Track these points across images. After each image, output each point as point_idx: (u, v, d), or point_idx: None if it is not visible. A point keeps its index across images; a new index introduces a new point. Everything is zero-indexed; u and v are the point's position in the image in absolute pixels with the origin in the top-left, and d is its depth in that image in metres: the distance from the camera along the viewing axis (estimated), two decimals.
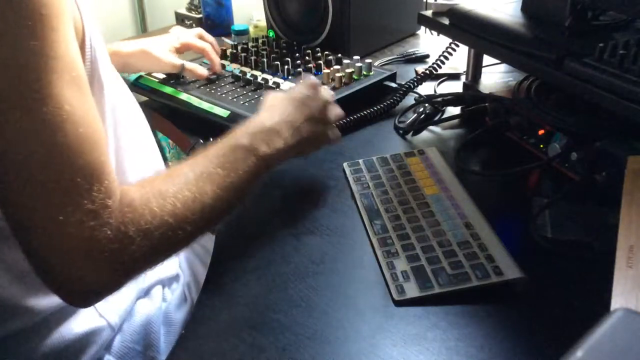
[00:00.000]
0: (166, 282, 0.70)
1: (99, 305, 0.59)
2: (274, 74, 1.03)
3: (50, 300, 0.55)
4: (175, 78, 1.01)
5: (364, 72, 1.01)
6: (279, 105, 0.68)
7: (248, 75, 1.01)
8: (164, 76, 1.02)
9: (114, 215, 0.44)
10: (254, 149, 0.60)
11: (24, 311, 0.54)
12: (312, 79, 0.73)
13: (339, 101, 0.93)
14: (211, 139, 0.85)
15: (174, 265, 0.72)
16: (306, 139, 0.67)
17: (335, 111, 0.74)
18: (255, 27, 1.39)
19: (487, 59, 0.99)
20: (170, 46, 0.99)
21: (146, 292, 0.67)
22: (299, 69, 1.01)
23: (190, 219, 0.50)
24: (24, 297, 0.54)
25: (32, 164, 0.41)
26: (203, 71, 1.00)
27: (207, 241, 0.81)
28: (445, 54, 0.99)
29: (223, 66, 1.06)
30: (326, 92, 0.73)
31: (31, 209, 0.42)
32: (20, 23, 0.41)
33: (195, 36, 1.04)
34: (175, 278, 0.72)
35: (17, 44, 0.41)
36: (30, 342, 0.56)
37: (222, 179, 0.55)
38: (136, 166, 0.65)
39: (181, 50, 1.02)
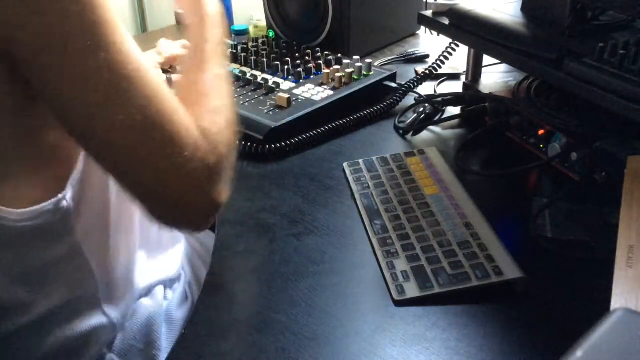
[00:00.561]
0: (168, 283, 0.70)
1: (102, 303, 0.60)
2: (274, 74, 1.03)
3: (52, 299, 0.55)
4: None
5: (364, 72, 1.01)
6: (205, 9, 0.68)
7: (248, 76, 1.01)
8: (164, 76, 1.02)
9: (205, 149, 0.49)
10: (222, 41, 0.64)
11: (27, 309, 0.54)
12: None
13: (339, 101, 0.94)
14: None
15: (176, 265, 0.72)
16: None
17: None
18: (255, 27, 1.39)
19: (487, 59, 0.99)
20: (153, 63, 0.99)
21: (148, 291, 0.67)
22: (299, 69, 1.01)
23: (232, 121, 0.56)
24: (27, 295, 0.54)
25: (142, 117, 0.45)
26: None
27: (208, 240, 0.81)
28: (445, 54, 0.99)
29: None
30: None
31: (141, 157, 0.46)
32: None
33: (181, 47, 1.02)
34: (177, 278, 0.72)
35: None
36: (34, 339, 0.56)
37: (221, 70, 0.60)
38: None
39: (166, 65, 1.01)
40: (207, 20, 0.64)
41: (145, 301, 0.66)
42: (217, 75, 0.59)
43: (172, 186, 0.48)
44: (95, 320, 0.59)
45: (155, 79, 0.46)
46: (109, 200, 0.59)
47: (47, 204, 0.50)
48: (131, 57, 0.45)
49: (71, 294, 0.56)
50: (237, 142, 0.57)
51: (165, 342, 0.66)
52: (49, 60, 0.42)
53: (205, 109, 0.54)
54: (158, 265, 0.69)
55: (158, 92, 0.46)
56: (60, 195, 0.51)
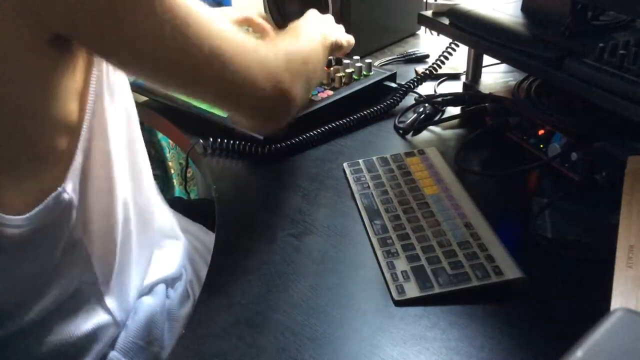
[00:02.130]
0: (169, 281, 0.70)
1: (105, 301, 0.60)
2: None
3: (55, 296, 0.55)
4: None
5: (364, 72, 1.01)
6: (308, 23, 0.81)
7: None
8: None
9: (279, 73, 0.61)
10: (322, 33, 0.79)
11: (31, 308, 0.54)
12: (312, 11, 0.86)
13: (339, 101, 0.94)
14: (211, 139, 0.85)
15: (177, 265, 0.72)
16: (336, 41, 0.87)
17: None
18: None
19: (487, 59, 0.99)
20: (228, 17, 0.99)
21: (150, 289, 0.67)
22: None
23: (311, 72, 0.70)
24: (30, 294, 0.54)
25: (235, 57, 0.55)
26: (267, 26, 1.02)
27: (208, 240, 0.81)
28: (445, 54, 0.99)
29: None
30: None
31: (250, 83, 0.58)
32: None
33: (258, 15, 1.04)
34: (179, 277, 0.72)
35: None
36: (38, 338, 0.56)
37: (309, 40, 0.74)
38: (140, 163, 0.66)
39: (241, 23, 1.01)
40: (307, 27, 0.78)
41: (148, 299, 0.66)
42: (308, 39, 0.73)
43: (249, 110, 0.63)
44: (98, 318, 0.59)
45: (220, 25, 0.54)
46: (111, 194, 0.59)
47: (48, 200, 0.50)
48: (202, 11, 0.52)
49: (73, 290, 0.56)
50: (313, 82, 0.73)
51: (168, 340, 0.66)
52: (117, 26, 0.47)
53: (290, 50, 0.66)
54: (159, 264, 0.69)
55: (226, 38, 0.54)
56: (60, 189, 0.51)
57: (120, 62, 0.52)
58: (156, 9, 0.47)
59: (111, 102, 0.57)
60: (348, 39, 0.91)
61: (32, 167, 0.50)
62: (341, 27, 0.92)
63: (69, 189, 0.51)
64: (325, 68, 1.02)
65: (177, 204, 0.97)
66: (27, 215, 0.49)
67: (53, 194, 0.50)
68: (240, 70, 0.56)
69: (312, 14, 0.85)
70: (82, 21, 0.45)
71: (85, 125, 0.53)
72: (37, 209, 0.49)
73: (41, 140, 0.50)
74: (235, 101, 0.61)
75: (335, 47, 0.87)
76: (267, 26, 1.02)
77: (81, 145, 0.53)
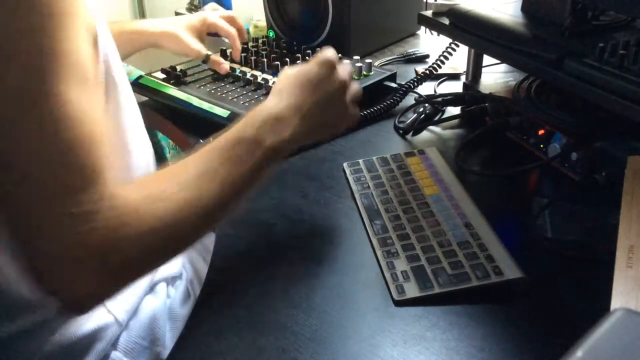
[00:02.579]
0: (170, 280, 0.70)
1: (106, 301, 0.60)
2: (274, 74, 1.03)
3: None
4: (176, 78, 1.01)
5: (364, 72, 1.01)
6: (288, 89, 0.62)
7: (248, 75, 1.01)
8: (164, 76, 1.02)
9: (104, 219, 0.42)
10: (259, 141, 0.56)
11: (34, 308, 0.54)
12: (328, 54, 0.64)
13: None
14: (211, 139, 0.85)
15: (177, 264, 0.72)
16: (319, 124, 0.62)
17: (353, 90, 0.67)
18: (255, 27, 1.39)
19: (487, 59, 0.99)
20: (192, 28, 0.99)
21: (151, 289, 0.67)
22: None
23: (187, 221, 0.48)
24: (30, 295, 0.54)
25: (30, 160, 0.40)
26: (226, 67, 1.01)
27: (208, 240, 0.81)
28: (445, 54, 0.99)
29: None
30: (344, 70, 0.65)
31: (24, 207, 0.41)
32: (28, 19, 0.41)
33: (225, 18, 1.04)
34: (179, 276, 0.72)
35: (22, 40, 0.41)
36: (40, 338, 0.56)
37: (225, 176, 0.52)
38: (139, 168, 0.65)
39: (210, 30, 1.02)
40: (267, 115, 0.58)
41: (149, 298, 0.66)
42: (210, 170, 0.51)
43: (44, 236, 0.41)
44: (100, 318, 0.59)
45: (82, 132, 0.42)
46: None
47: None
48: (57, 92, 0.41)
49: None
50: (182, 250, 0.51)
51: (170, 339, 0.66)
52: None
53: (159, 189, 0.47)
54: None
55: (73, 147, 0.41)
56: None
57: None
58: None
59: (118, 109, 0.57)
60: (347, 121, 0.67)
61: None
62: (351, 92, 0.66)
63: None
64: None
65: None
66: None
67: None
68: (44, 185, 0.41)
69: (294, 85, 0.62)
70: None
71: None
72: None
73: None
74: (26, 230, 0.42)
75: (322, 134, 0.66)
76: (233, 30, 1.02)
77: None
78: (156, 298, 0.67)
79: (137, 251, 0.44)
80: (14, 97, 0.40)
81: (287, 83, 0.62)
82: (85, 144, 0.42)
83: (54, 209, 0.40)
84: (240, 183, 0.53)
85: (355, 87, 0.67)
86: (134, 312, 0.64)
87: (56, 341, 0.56)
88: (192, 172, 0.51)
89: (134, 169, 0.63)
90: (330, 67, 0.63)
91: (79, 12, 0.44)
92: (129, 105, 0.63)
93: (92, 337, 0.58)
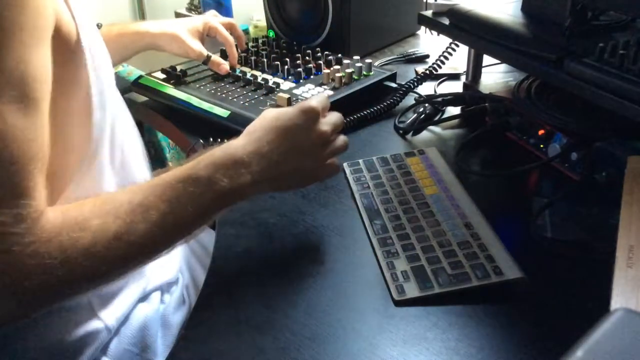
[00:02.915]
0: (165, 287, 0.70)
1: (96, 307, 0.59)
2: (274, 74, 1.03)
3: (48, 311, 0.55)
4: (176, 78, 1.01)
5: (364, 72, 1.01)
6: (259, 132, 0.57)
7: (248, 76, 1.01)
8: (164, 76, 1.02)
9: (20, 243, 0.41)
10: (212, 183, 0.52)
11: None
12: (313, 103, 0.59)
13: (339, 101, 0.94)
14: (211, 139, 0.85)
15: (174, 269, 0.72)
16: (285, 175, 0.58)
17: (337, 143, 0.62)
18: (255, 27, 1.40)
19: (487, 59, 0.99)
20: (194, 30, 0.99)
21: (145, 297, 0.67)
22: (299, 69, 1.01)
23: (108, 257, 0.45)
24: None
25: None
26: (226, 68, 1.01)
27: (208, 242, 0.81)
28: (445, 54, 0.99)
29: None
30: (329, 121, 0.61)
31: None
32: None
33: (225, 25, 1.04)
34: (175, 281, 0.72)
35: None
36: (27, 341, 0.55)
37: (162, 215, 0.48)
38: (134, 166, 0.65)
39: (210, 34, 1.02)
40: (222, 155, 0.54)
41: (142, 306, 0.66)
42: (148, 206, 0.48)
43: None
44: (89, 325, 0.59)
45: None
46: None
47: None
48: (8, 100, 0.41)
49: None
50: (100, 284, 0.48)
51: (161, 347, 0.66)
52: None
53: (84, 218, 0.45)
54: (156, 270, 0.68)
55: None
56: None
57: None
58: None
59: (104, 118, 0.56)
60: (321, 174, 0.64)
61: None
62: (335, 146, 0.63)
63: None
64: (326, 68, 1.02)
65: None
66: None
67: None
68: None
69: (268, 130, 0.58)
70: None
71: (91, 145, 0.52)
72: None
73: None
74: None
75: (292, 184, 0.63)
76: (230, 38, 1.03)
77: (74, 171, 0.52)
78: (149, 305, 0.66)
79: (45, 280, 0.42)
80: None
81: (261, 125, 0.58)
82: (11, 163, 0.41)
83: None
84: (178, 224, 0.50)
85: (340, 141, 0.63)
86: (125, 319, 0.63)
87: (45, 344, 0.56)
88: (127, 206, 0.47)
89: (129, 169, 0.63)
90: (312, 117, 0.59)
91: (37, 24, 0.43)
92: (119, 109, 0.63)
93: (81, 342, 0.58)
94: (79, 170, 0.54)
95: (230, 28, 1.05)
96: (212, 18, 1.04)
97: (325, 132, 0.60)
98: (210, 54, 1.00)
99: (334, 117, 0.62)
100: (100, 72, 0.54)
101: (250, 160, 0.55)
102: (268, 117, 0.59)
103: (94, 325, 0.59)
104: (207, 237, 0.84)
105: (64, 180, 0.53)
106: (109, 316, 0.60)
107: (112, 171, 0.59)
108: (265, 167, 0.56)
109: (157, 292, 0.68)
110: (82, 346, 0.58)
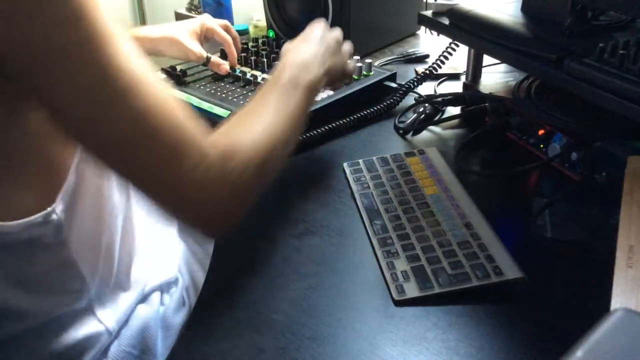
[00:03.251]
0: (165, 288, 0.70)
1: (97, 310, 0.59)
2: None
3: (48, 305, 0.55)
4: (176, 78, 1.01)
5: (364, 72, 1.01)
6: (301, 46, 0.73)
7: (248, 75, 1.01)
8: (164, 76, 1.02)
9: (216, 172, 0.50)
10: (296, 82, 0.66)
11: (22, 315, 0.54)
12: (319, 22, 0.78)
13: (339, 101, 0.94)
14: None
15: (173, 269, 0.72)
16: (331, 69, 0.74)
17: (347, 45, 0.81)
18: (255, 27, 1.39)
19: (487, 59, 0.99)
20: (192, 32, 1.00)
21: (144, 298, 0.67)
22: None
23: (271, 153, 0.57)
24: (23, 301, 0.53)
25: (140, 129, 0.46)
26: (226, 68, 1.02)
27: (207, 244, 0.81)
28: (445, 54, 0.99)
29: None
30: (336, 30, 0.78)
31: (148, 170, 0.48)
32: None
33: (221, 26, 1.04)
34: (175, 282, 0.72)
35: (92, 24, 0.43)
36: (28, 346, 0.55)
37: (283, 115, 0.62)
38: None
39: (207, 35, 1.03)
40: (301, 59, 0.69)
41: (142, 307, 0.65)
42: (273, 111, 0.61)
43: (172, 194, 0.49)
44: (90, 328, 0.59)
45: (154, 90, 0.46)
46: (104, 211, 0.58)
47: (37, 217, 0.49)
48: (127, 69, 0.44)
49: (64, 304, 0.56)
50: (272, 174, 0.59)
51: (162, 348, 0.66)
52: (43, 74, 0.42)
53: (243, 131, 0.56)
54: (155, 271, 0.68)
55: (157, 104, 0.46)
56: (49, 209, 0.50)
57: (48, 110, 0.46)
58: (83, 60, 0.43)
59: None
60: (348, 69, 0.82)
61: (24, 179, 0.49)
62: (345, 50, 0.80)
63: (59, 210, 0.51)
64: None
65: None
66: (17, 222, 0.48)
67: (42, 213, 0.49)
68: (165, 142, 0.47)
69: (314, 30, 0.76)
70: (15, 56, 0.42)
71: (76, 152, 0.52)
72: (26, 219, 0.48)
73: (35, 153, 0.49)
74: (157, 190, 0.50)
75: (332, 79, 0.78)
76: (229, 37, 1.04)
77: (74, 163, 0.52)
78: (149, 307, 0.66)
79: (249, 180, 0.53)
80: (117, 82, 0.44)
81: (295, 45, 0.73)
82: (164, 102, 0.47)
83: (172, 164, 0.47)
84: (294, 118, 0.63)
85: (348, 44, 0.81)
86: (125, 321, 0.63)
87: (45, 349, 0.56)
88: (265, 116, 0.60)
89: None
90: (323, 27, 0.77)
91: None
92: None
93: (82, 346, 0.58)
94: (79, 158, 0.54)
95: (226, 29, 1.05)
96: (209, 19, 1.04)
97: (337, 33, 0.77)
98: (209, 55, 1.00)
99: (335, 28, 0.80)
100: None
101: (309, 61, 0.70)
102: (296, 41, 0.75)
103: (94, 328, 0.59)
104: (206, 240, 0.84)
105: (64, 169, 0.53)
106: (109, 318, 0.60)
107: None
108: (319, 64, 0.71)
109: (156, 293, 0.68)
110: (84, 350, 0.58)
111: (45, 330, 0.56)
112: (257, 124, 0.58)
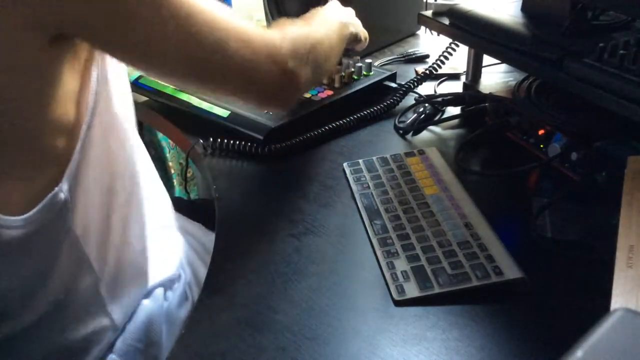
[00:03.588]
0: (168, 284, 0.70)
1: (107, 303, 0.60)
2: None
3: (54, 301, 0.55)
4: None
5: (364, 72, 1.01)
6: (327, 11, 0.84)
7: None
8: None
9: (285, 55, 0.63)
10: (340, 21, 0.81)
11: (28, 311, 0.54)
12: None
13: (339, 101, 0.94)
14: (211, 139, 0.85)
15: (176, 265, 0.72)
16: (355, 33, 0.89)
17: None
18: None
19: (487, 59, 0.99)
20: None
21: (148, 293, 0.67)
22: None
23: (321, 56, 0.72)
24: (28, 297, 0.54)
25: (235, 44, 0.57)
26: None
27: (208, 241, 0.81)
28: (445, 54, 0.99)
29: None
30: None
31: (245, 72, 0.60)
32: None
33: None
34: (177, 278, 0.72)
35: None
36: (35, 341, 0.56)
37: (329, 43, 0.76)
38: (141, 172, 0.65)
39: None
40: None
41: (146, 302, 0.66)
42: (326, 34, 0.75)
43: (254, 94, 0.65)
44: (97, 321, 0.59)
45: (223, 16, 0.55)
46: (109, 192, 0.59)
47: (45, 201, 0.50)
48: (204, 7, 0.53)
49: (73, 293, 0.56)
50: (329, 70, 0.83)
51: (166, 342, 0.66)
52: (118, 20, 0.48)
53: (300, 36, 0.68)
54: (158, 267, 0.69)
55: (229, 28, 0.56)
56: (56, 189, 0.51)
57: (125, 58, 0.53)
58: (160, 6, 0.48)
59: (110, 103, 0.57)
60: (365, 34, 0.94)
61: (31, 168, 0.50)
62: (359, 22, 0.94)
63: (65, 189, 0.51)
64: None
65: (177, 204, 0.97)
66: (25, 216, 0.49)
67: (50, 195, 0.50)
68: (246, 57, 0.58)
69: (333, 4, 0.88)
70: (88, 20, 0.46)
71: (84, 127, 0.53)
72: (35, 209, 0.49)
73: (40, 141, 0.50)
74: (241, 88, 0.63)
75: (352, 39, 0.90)
76: None
77: (79, 146, 0.53)
78: (153, 302, 0.67)
79: (307, 76, 0.68)
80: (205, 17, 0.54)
81: (323, 10, 0.85)
82: (234, 25, 0.58)
83: (261, 63, 0.61)
84: (336, 45, 0.79)
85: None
86: (131, 315, 0.64)
87: (53, 343, 0.56)
88: (316, 32, 0.73)
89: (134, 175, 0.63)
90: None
91: None
92: (129, 108, 0.63)
93: (88, 340, 0.58)
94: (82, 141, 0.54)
95: None
96: None
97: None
98: None
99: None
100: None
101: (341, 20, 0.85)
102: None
103: (102, 322, 0.59)
104: (207, 236, 0.84)
105: (66, 158, 0.53)
106: (117, 313, 0.61)
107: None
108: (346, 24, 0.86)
109: (160, 288, 0.68)
110: (90, 343, 0.59)
111: (52, 326, 0.56)
112: (313, 40, 0.70)
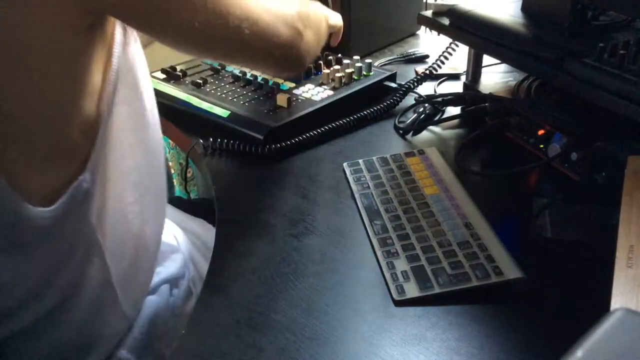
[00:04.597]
0: (172, 281, 0.71)
1: (120, 297, 0.60)
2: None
3: (68, 295, 0.55)
4: (176, 78, 1.01)
5: (364, 72, 1.01)
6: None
7: (248, 76, 1.01)
8: (164, 76, 1.02)
9: (302, 41, 0.69)
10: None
11: (43, 303, 0.54)
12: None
13: (339, 101, 0.94)
14: (211, 139, 0.85)
15: (178, 265, 0.73)
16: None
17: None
18: None
19: (487, 59, 0.99)
20: None
21: (154, 289, 0.68)
22: None
23: (315, 40, 0.76)
24: (48, 285, 0.54)
25: (269, 17, 0.63)
26: None
27: (208, 237, 0.81)
28: (445, 54, 0.99)
29: (223, 66, 1.06)
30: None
31: (273, 41, 0.65)
32: None
33: None
34: (182, 276, 0.73)
35: None
36: (47, 334, 0.56)
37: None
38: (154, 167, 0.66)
39: None
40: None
41: (153, 297, 0.67)
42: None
43: (275, 58, 0.68)
44: (110, 315, 0.59)
45: None
46: (128, 185, 0.59)
47: (70, 191, 0.50)
48: None
49: (87, 287, 0.56)
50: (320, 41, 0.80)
51: (173, 335, 0.67)
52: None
53: (301, 7, 0.72)
54: (165, 262, 0.70)
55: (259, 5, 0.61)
56: (80, 178, 0.51)
57: (154, 30, 0.55)
58: None
59: (134, 92, 0.58)
60: (340, 24, 0.95)
61: (58, 159, 0.51)
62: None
63: (88, 179, 0.52)
64: (325, 68, 1.03)
65: (177, 204, 0.97)
66: (52, 207, 0.49)
67: (74, 184, 0.51)
68: (269, 24, 0.63)
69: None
70: None
71: (104, 118, 0.53)
72: (60, 200, 0.50)
73: (67, 132, 0.50)
74: (264, 54, 0.67)
75: (331, 29, 0.91)
76: None
77: (100, 136, 0.53)
78: (159, 297, 0.67)
79: (308, 38, 0.71)
80: None
81: None
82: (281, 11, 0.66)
83: (282, 33, 0.66)
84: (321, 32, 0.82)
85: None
86: (139, 310, 0.64)
87: (61, 338, 0.56)
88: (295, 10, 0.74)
89: (148, 167, 0.64)
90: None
91: None
92: (150, 99, 0.64)
93: (100, 334, 0.59)
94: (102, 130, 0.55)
95: None
96: None
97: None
98: None
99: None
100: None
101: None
102: None
103: (114, 316, 0.60)
104: (207, 233, 0.85)
105: (91, 146, 0.53)
106: (129, 307, 0.61)
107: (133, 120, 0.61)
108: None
109: (165, 285, 0.69)
110: (102, 338, 0.59)
111: (64, 320, 0.56)
112: (307, 7, 0.74)
